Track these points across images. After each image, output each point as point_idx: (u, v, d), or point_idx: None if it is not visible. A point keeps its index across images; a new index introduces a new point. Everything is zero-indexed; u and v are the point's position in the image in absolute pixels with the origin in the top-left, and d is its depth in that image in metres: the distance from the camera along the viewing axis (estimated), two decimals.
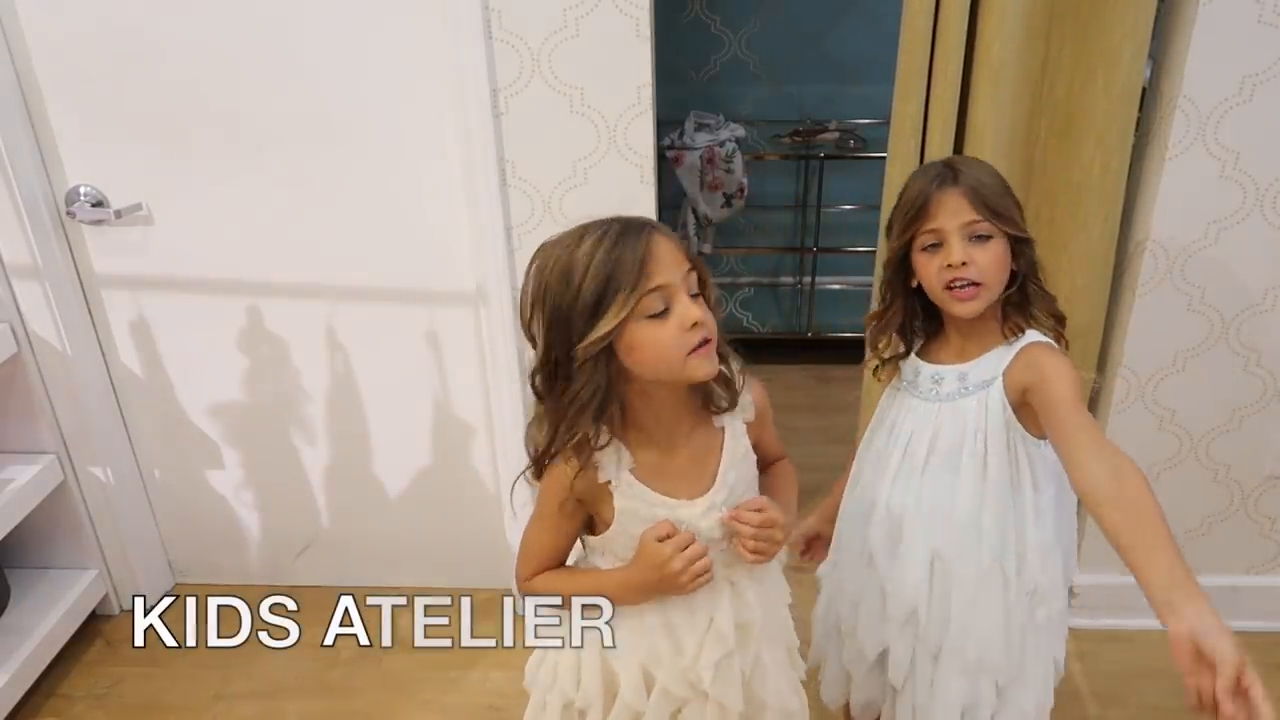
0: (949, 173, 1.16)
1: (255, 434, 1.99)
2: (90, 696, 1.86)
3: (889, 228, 1.24)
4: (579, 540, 1.14)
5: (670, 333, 0.96)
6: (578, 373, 0.97)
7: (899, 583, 1.26)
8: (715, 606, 1.09)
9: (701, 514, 1.06)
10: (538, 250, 1.00)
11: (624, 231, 0.95)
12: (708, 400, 1.08)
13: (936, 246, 1.16)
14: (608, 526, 1.07)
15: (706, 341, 0.98)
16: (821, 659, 1.47)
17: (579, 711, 1.14)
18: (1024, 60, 1.54)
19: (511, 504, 1.08)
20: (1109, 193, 1.59)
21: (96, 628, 2.04)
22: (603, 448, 1.02)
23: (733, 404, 1.09)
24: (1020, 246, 1.18)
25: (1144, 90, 1.58)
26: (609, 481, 1.03)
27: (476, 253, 1.72)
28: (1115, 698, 1.79)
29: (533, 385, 1.03)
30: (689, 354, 0.97)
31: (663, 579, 1.04)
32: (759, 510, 1.06)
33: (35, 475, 1.83)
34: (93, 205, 1.73)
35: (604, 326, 0.94)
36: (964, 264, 1.14)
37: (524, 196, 1.66)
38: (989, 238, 1.15)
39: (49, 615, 1.88)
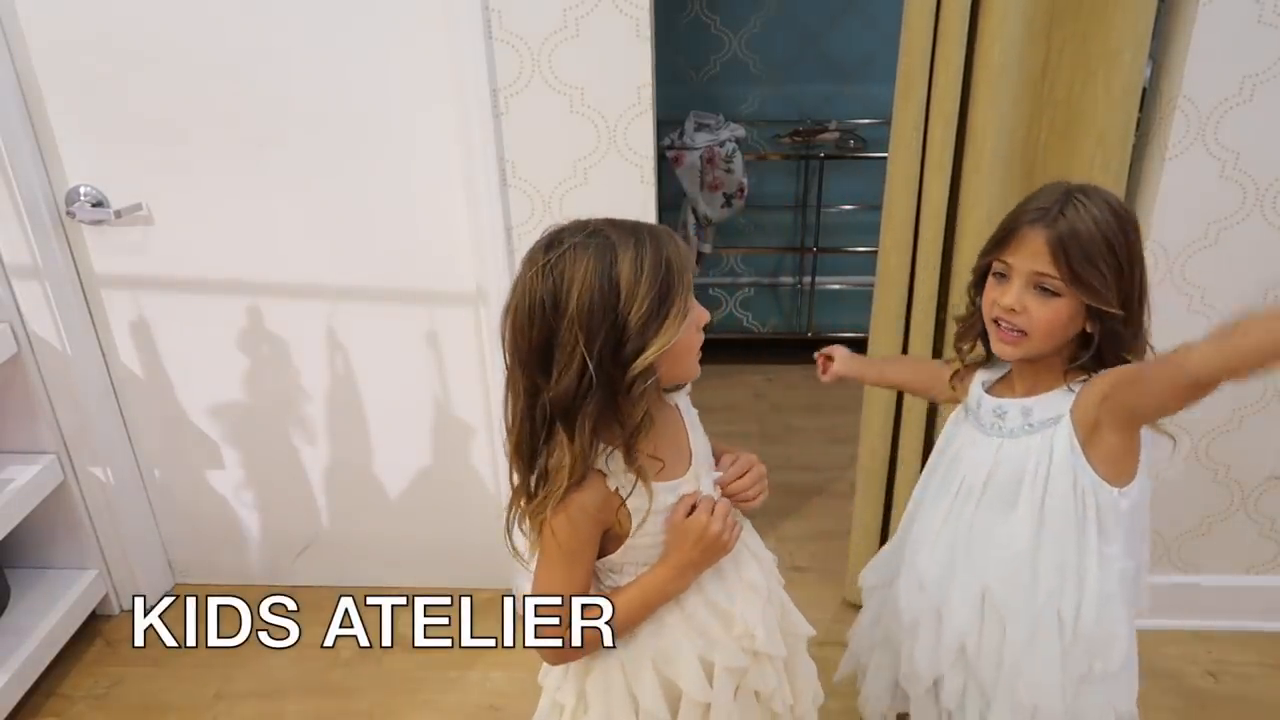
0: (1052, 212, 1.07)
1: (255, 434, 1.99)
2: (90, 696, 1.86)
3: None
4: None
5: (691, 334, 0.98)
6: (633, 392, 0.94)
7: (950, 616, 1.25)
8: (740, 564, 1.11)
9: (699, 484, 1.08)
10: (541, 273, 0.93)
11: (653, 234, 0.95)
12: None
13: (1004, 277, 1.11)
14: (622, 540, 1.05)
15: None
16: (862, 670, 1.46)
17: None
18: (1024, 60, 1.54)
19: (512, 545, 1.02)
20: None
21: (96, 628, 2.04)
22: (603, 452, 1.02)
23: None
24: (1103, 316, 1.08)
25: (1144, 90, 1.58)
26: (618, 489, 1.02)
27: (476, 253, 1.72)
28: None
29: (557, 415, 0.95)
30: (696, 355, 1.00)
31: (707, 548, 1.05)
32: (733, 463, 1.10)
33: (35, 475, 1.83)
34: (93, 205, 1.73)
35: (663, 340, 0.92)
36: (1013, 310, 1.09)
37: (524, 196, 1.66)
38: (1056, 295, 1.08)
39: (49, 615, 1.88)
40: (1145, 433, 1.14)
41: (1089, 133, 1.56)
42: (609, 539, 1.06)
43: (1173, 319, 1.66)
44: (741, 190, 2.88)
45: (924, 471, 1.35)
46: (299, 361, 1.90)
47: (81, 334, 1.84)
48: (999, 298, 1.10)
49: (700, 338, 1.00)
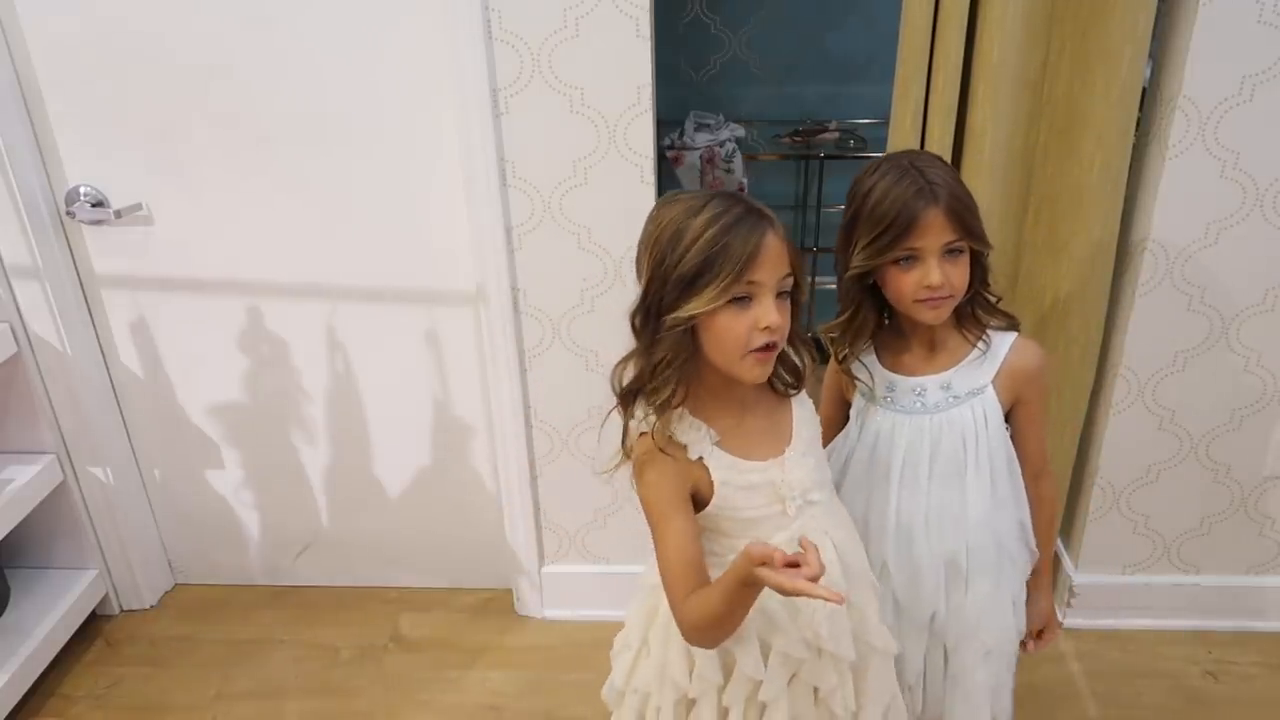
0: (928, 189, 1.13)
1: (255, 434, 1.99)
2: (90, 696, 1.86)
3: (850, 233, 1.21)
4: None
5: (742, 326, 0.99)
6: (664, 337, 1.00)
7: (915, 591, 1.28)
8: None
9: (791, 468, 1.09)
10: (666, 195, 1.04)
11: (742, 218, 0.98)
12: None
13: (911, 260, 1.16)
14: (706, 505, 1.07)
15: (770, 347, 1.01)
16: None
17: (690, 701, 1.14)
18: (1024, 60, 1.54)
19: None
20: (1109, 193, 1.59)
21: (96, 628, 2.04)
22: (680, 417, 1.04)
23: (796, 389, 1.13)
24: (977, 256, 1.19)
25: (1144, 90, 1.58)
26: (701, 458, 1.05)
27: (476, 253, 1.72)
28: (1115, 698, 1.80)
29: (631, 323, 1.04)
30: (748, 353, 1.00)
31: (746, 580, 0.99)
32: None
33: (35, 475, 1.83)
34: (93, 205, 1.73)
35: (691, 309, 0.97)
36: (940, 285, 1.15)
37: (524, 196, 1.66)
38: (961, 253, 1.17)
39: (49, 615, 1.88)
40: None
41: (1089, 133, 1.57)
42: (696, 504, 1.08)
43: (1173, 319, 1.66)
44: (741, 190, 2.88)
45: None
46: (299, 361, 1.90)
47: (81, 334, 1.84)
48: (923, 280, 1.15)
49: (749, 335, 0.99)
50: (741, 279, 0.97)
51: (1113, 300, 1.70)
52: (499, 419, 1.87)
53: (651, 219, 1.03)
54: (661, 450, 1.04)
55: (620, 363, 1.07)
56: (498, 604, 2.08)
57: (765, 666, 1.09)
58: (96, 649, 1.99)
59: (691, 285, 0.97)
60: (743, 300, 0.98)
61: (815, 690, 1.13)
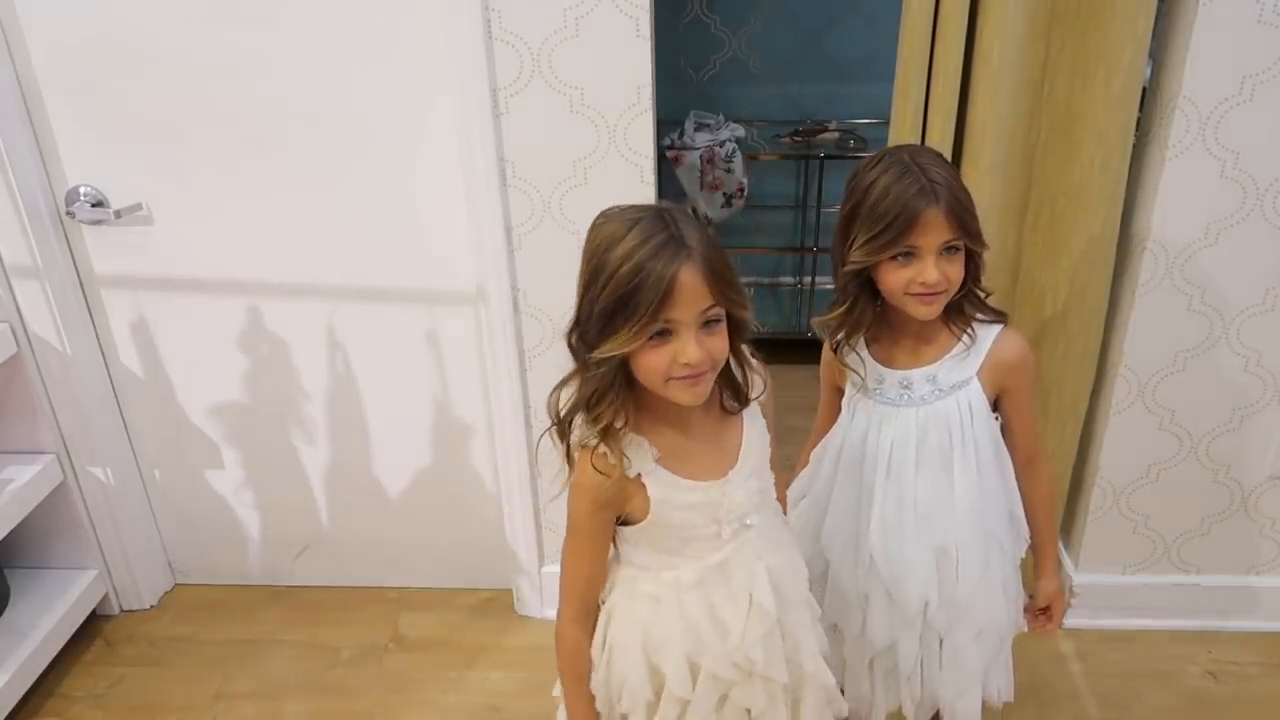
0: (930, 189, 1.13)
1: (255, 434, 1.99)
2: (90, 696, 1.86)
3: (848, 227, 1.20)
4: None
5: (662, 359, 0.97)
6: (592, 374, 0.99)
7: (904, 582, 1.29)
8: (753, 585, 1.10)
9: (732, 490, 1.07)
10: (602, 213, 1.00)
11: (659, 250, 0.93)
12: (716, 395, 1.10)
13: (908, 256, 1.17)
14: (641, 520, 1.07)
15: (696, 375, 0.98)
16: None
17: (622, 717, 1.14)
18: (1024, 59, 1.54)
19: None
20: (1109, 192, 1.59)
21: (96, 628, 2.04)
22: (623, 436, 1.03)
23: (740, 406, 1.10)
24: (972, 253, 1.20)
25: (1144, 90, 1.58)
26: (639, 475, 1.04)
27: (476, 253, 1.72)
28: (1115, 698, 1.80)
29: (568, 341, 1.03)
30: (672, 379, 0.98)
31: None
32: None
33: (35, 475, 1.83)
34: (93, 205, 1.73)
35: (609, 349, 0.95)
36: (937, 282, 1.17)
37: (524, 196, 1.66)
38: (958, 250, 1.18)
39: (49, 615, 1.88)
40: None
41: (1089, 132, 1.57)
42: (630, 517, 1.08)
43: (1172, 319, 1.66)
44: (741, 190, 2.88)
45: (825, 456, 1.38)
46: (299, 361, 1.90)
47: (81, 334, 1.84)
48: (918, 276, 1.17)
49: (669, 367, 0.97)
50: (657, 318, 0.93)
51: (1112, 300, 1.70)
52: (499, 419, 1.87)
53: (588, 237, 0.99)
54: (600, 472, 1.02)
55: (557, 387, 1.04)
56: (498, 604, 2.08)
57: (694, 686, 1.09)
58: (96, 649, 1.99)
59: (610, 323, 0.94)
60: (664, 334, 0.95)
61: (748, 712, 1.13)
